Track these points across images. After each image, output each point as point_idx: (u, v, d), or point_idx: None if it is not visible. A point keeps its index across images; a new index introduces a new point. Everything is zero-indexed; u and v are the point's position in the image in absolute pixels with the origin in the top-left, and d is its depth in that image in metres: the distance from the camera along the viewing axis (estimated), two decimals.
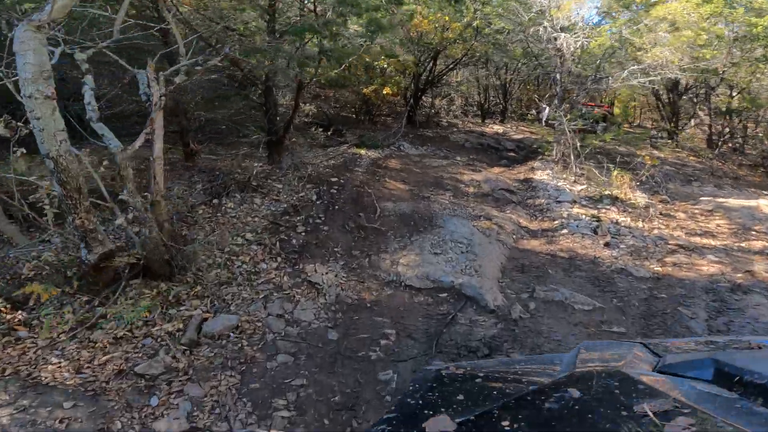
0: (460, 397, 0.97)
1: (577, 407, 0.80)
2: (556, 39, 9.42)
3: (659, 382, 0.88)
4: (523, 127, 19.05)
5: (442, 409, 0.90)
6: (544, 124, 9.04)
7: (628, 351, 1.14)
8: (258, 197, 5.96)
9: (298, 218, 5.53)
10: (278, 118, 7.29)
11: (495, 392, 1.02)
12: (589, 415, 0.77)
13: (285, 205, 5.84)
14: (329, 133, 10.55)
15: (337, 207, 6.07)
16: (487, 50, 12.78)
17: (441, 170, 9.26)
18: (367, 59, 10.07)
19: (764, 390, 0.78)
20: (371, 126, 13.85)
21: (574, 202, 7.50)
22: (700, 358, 1.03)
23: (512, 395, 0.95)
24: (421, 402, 0.97)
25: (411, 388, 1.10)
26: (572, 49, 9.43)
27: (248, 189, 6.03)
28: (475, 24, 11.24)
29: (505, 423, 0.78)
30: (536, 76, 20.12)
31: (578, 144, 8.99)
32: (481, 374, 1.12)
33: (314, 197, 6.23)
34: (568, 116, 9.08)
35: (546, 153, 10.63)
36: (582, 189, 8.34)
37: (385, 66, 10.83)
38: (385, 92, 10.47)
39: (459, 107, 19.01)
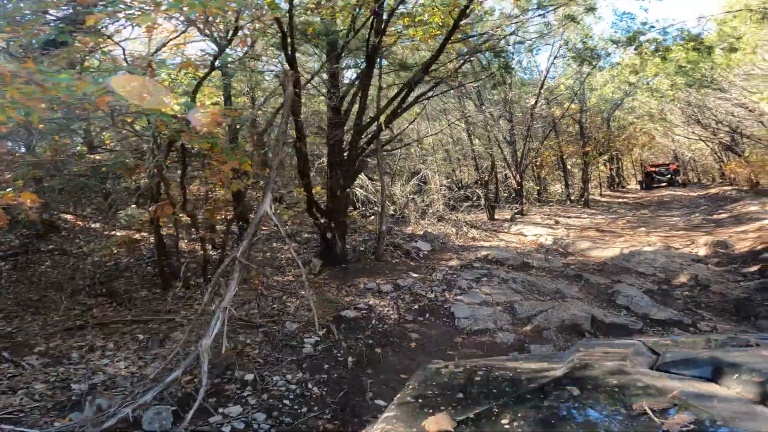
0: (460, 395, 0.97)
1: (576, 405, 0.80)
2: None
3: (658, 380, 0.87)
4: (571, 217, 10.07)
5: (442, 408, 0.89)
6: None
7: (627, 349, 1.12)
8: None
9: None
10: None
11: (494, 390, 0.98)
12: (589, 413, 0.78)
13: None
14: None
15: None
16: None
17: None
18: None
19: (763, 388, 0.75)
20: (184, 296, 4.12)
21: None
22: (698, 355, 1.00)
23: (512, 393, 0.94)
24: (420, 400, 0.96)
25: (410, 386, 1.07)
26: None
27: None
28: None
29: (505, 421, 0.78)
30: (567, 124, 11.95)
31: None
32: (481, 372, 1.10)
33: None
34: None
35: None
36: None
37: None
38: None
39: (439, 195, 9.90)
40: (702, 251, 6.03)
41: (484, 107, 9.05)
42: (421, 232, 7.48)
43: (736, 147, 14.25)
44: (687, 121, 16.23)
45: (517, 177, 10.17)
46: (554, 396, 0.85)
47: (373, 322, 3.87)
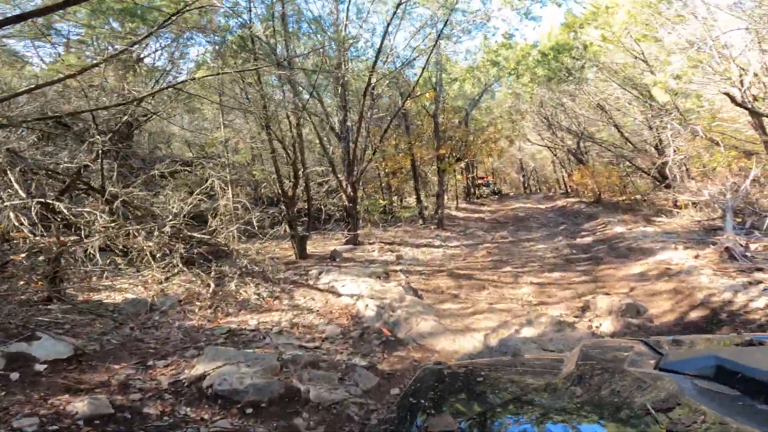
0: (462, 395, 0.95)
1: (579, 405, 0.78)
2: None
3: (661, 380, 0.85)
4: (420, 245, 7.18)
5: (444, 408, 0.86)
6: None
7: (629, 349, 1.10)
8: None
9: None
10: None
11: (497, 390, 0.97)
12: (592, 413, 0.76)
13: None
14: None
15: None
16: None
17: None
18: None
19: (766, 387, 0.73)
20: None
21: None
22: (701, 355, 0.97)
23: (514, 393, 0.92)
24: (422, 401, 0.92)
25: (413, 387, 1.04)
26: None
27: None
28: None
29: (508, 421, 0.76)
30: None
31: None
32: (483, 373, 1.07)
33: None
34: None
35: None
36: None
37: None
38: None
39: (228, 217, 6.12)
40: (607, 325, 3.56)
41: (288, 70, 5.60)
42: (121, 299, 3.60)
43: (581, 154, 13.87)
44: (536, 126, 15.69)
45: (349, 189, 7.03)
46: (557, 396, 0.83)
47: None
